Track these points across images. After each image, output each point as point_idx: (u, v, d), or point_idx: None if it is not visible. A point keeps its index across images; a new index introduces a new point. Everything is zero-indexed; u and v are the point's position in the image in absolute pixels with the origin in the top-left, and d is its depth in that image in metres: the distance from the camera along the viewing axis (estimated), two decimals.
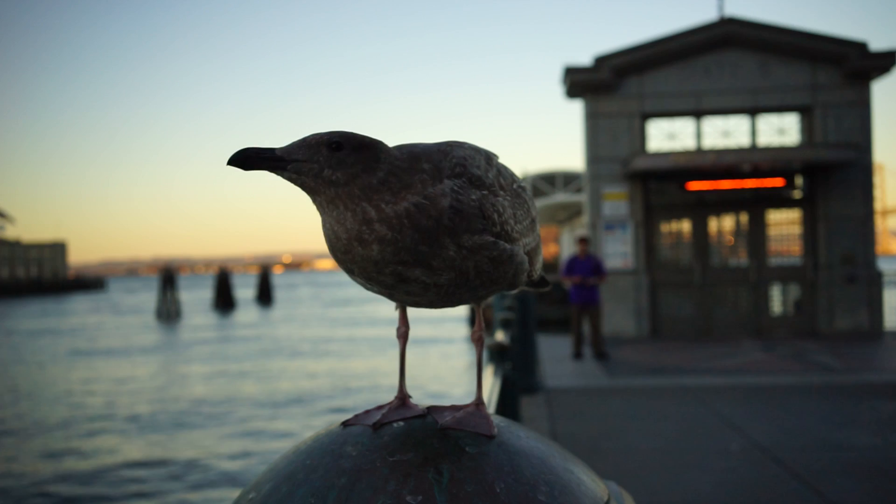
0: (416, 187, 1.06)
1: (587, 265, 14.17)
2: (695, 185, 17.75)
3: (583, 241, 14.44)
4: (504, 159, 1.22)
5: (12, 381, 22.86)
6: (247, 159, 1.06)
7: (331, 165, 1.06)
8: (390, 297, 1.15)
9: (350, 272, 1.12)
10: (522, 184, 1.23)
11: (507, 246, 1.11)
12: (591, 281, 14.09)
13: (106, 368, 25.36)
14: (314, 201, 1.10)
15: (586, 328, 15.16)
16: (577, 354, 14.43)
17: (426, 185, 1.07)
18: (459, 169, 1.10)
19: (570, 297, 14.49)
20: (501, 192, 1.14)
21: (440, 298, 1.13)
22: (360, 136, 1.09)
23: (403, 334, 1.21)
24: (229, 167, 1.08)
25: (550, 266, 48.82)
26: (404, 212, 1.04)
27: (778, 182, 17.69)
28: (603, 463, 7.17)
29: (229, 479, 11.62)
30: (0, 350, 32.83)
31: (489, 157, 1.18)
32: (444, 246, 1.05)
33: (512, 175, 1.21)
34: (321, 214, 1.12)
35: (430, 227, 1.04)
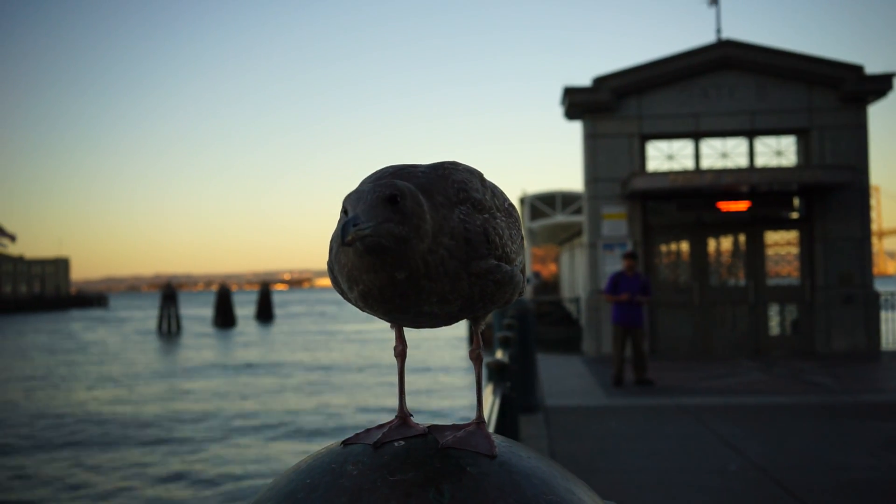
0: (444, 227, 1.03)
1: (635, 283, 13.02)
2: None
3: (630, 256, 13.24)
4: (503, 180, 1.21)
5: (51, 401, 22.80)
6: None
7: (399, 221, 0.98)
8: (393, 321, 1.13)
9: (367, 311, 1.08)
10: (510, 201, 1.22)
11: (508, 268, 1.11)
12: (640, 300, 13.00)
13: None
14: (365, 264, 1.01)
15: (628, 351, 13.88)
16: (618, 381, 13.19)
17: (448, 220, 1.04)
18: (463, 195, 1.09)
19: (613, 317, 13.36)
20: (498, 214, 1.13)
21: (443, 322, 1.13)
22: (400, 183, 1.02)
23: (401, 353, 1.19)
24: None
25: (552, 287, 48.86)
26: (440, 259, 1.01)
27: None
28: (601, 482, 7.14)
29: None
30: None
31: (481, 178, 1.16)
32: (460, 279, 1.04)
33: (502, 193, 1.19)
34: (365, 272, 1.02)
35: (456, 267, 1.03)
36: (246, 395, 22.48)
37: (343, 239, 0.96)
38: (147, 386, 25.33)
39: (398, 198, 1.00)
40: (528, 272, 42.31)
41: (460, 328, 39.13)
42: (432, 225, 1.02)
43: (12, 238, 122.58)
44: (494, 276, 1.08)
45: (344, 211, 1.02)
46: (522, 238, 1.21)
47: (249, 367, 30.64)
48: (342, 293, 1.13)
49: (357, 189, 1.03)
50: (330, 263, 1.12)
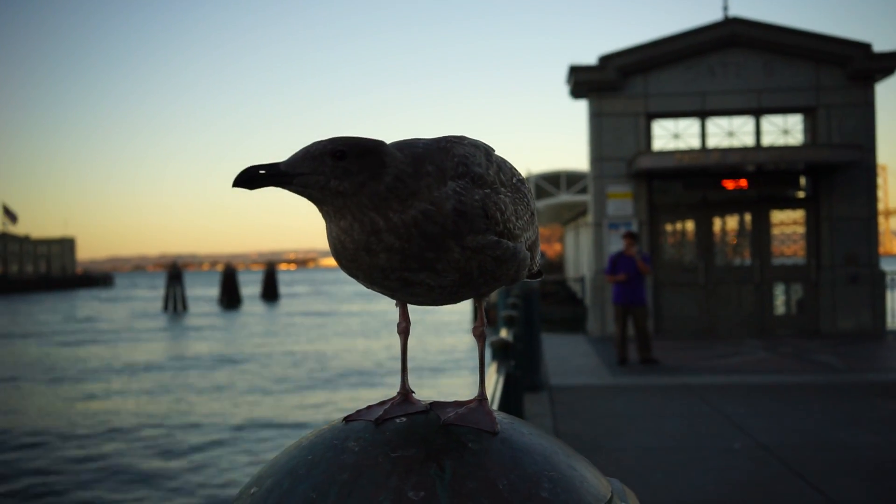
0: (422, 193, 1.04)
1: (633, 262, 13.04)
2: (731, 184, 17.64)
3: (629, 236, 13.25)
4: (508, 159, 1.20)
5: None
6: (252, 179, 1.03)
7: (336, 176, 1.03)
8: (392, 296, 1.14)
9: (354, 277, 1.11)
10: (521, 176, 1.21)
11: (510, 244, 1.10)
12: (643, 269, 12.94)
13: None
14: (321, 211, 1.08)
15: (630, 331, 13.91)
16: (622, 360, 13.27)
17: (432, 189, 1.05)
18: (462, 168, 1.08)
19: (614, 297, 13.47)
20: (503, 189, 1.12)
21: (443, 297, 1.12)
22: (363, 141, 1.06)
23: (404, 330, 1.19)
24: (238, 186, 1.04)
25: (556, 266, 48.85)
26: (412, 220, 1.02)
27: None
28: (605, 460, 7.17)
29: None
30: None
31: (488, 153, 1.16)
32: (449, 249, 1.04)
33: (511, 168, 1.19)
34: (327, 223, 1.09)
35: (437, 234, 1.03)
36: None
37: (238, 176, 1.03)
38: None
39: (341, 154, 1.04)
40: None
41: (465, 308, 39.16)
42: (409, 188, 1.04)
43: (14, 217, 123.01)
44: (494, 251, 1.07)
45: None
46: (532, 214, 1.21)
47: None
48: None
49: (310, 144, 1.07)
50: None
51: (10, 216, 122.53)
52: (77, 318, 49.82)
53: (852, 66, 17.22)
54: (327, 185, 1.03)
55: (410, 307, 1.20)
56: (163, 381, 21.53)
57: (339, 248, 1.08)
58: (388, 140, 1.13)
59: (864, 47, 17.26)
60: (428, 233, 1.03)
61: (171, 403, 17.87)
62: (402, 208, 1.03)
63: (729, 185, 17.62)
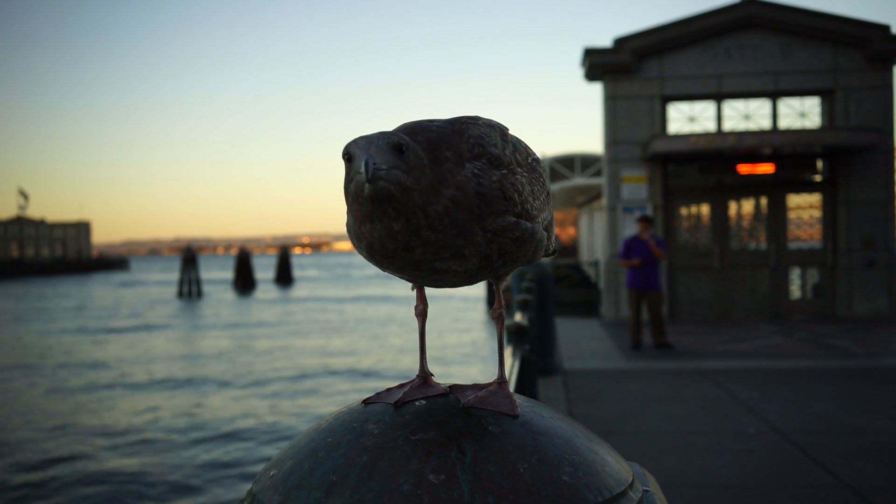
0: (447, 179, 1.02)
1: (648, 247, 12.91)
2: (748, 169, 17.52)
3: (644, 220, 13.17)
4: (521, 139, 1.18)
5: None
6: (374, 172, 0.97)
7: (405, 171, 0.99)
8: (412, 280, 1.12)
9: (381, 268, 1.09)
10: (535, 156, 1.19)
11: (529, 225, 1.09)
12: (657, 253, 12.82)
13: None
14: (369, 212, 1.00)
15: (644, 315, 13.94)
16: (636, 345, 13.20)
17: (454, 174, 1.03)
18: (478, 150, 1.07)
19: (628, 281, 13.38)
20: (519, 169, 1.11)
21: (463, 281, 1.11)
22: (400, 134, 1.02)
23: (422, 312, 1.18)
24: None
25: (570, 249, 48.73)
26: (444, 210, 1.01)
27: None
28: (620, 445, 7.16)
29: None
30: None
31: (503, 132, 1.14)
32: (474, 233, 1.03)
33: (526, 148, 1.17)
34: (363, 223, 1.03)
35: (465, 219, 1.02)
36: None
37: (367, 176, 0.96)
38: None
39: (404, 147, 1.00)
40: None
41: (479, 289, 39.19)
42: (432, 178, 1.01)
43: (26, 197, 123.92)
44: (513, 233, 1.06)
45: (347, 158, 1.01)
46: (548, 194, 1.20)
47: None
48: (361, 252, 1.13)
49: (363, 136, 1.02)
50: (348, 224, 1.11)
51: (24, 197, 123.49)
52: (85, 307, 49.99)
53: (871, 48, 17.04)
54: (405, 182, 0.99)
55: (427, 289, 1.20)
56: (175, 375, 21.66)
57: (378, 248, 1.03)
58: (399, 123, 1.11)
59: (883, 29, 17.08)
60: (458, 220, 1.01)
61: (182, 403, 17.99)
62: (436, 199, 1.01)
63: (744, 169, 17.50)
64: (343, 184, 1.05)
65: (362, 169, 0.96)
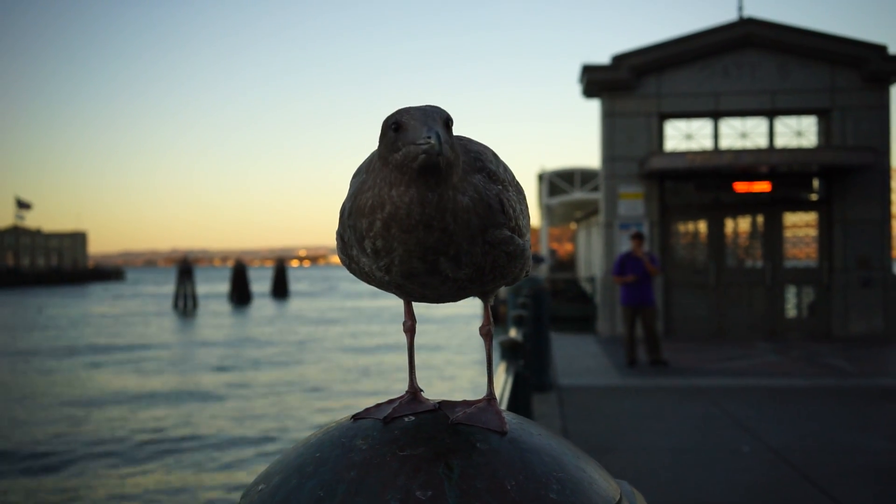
0: (467, 180, 1.03)
1: (642, 264, 13.02)
2: (744, 188, 17.58)
3: (637, 237, 13.26)
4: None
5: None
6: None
7: (453, 146, 1.00)
8: (399, 289, 1.10)
9: (387, 252, 1.03)
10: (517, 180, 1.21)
11: (521, 241, 1.10)
12: (651, 269, 12.93)
13: None
14: (415, 178, 0.98)
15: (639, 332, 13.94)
16: (631, 362, 13.21)
17: (470, 178, 1.04)
18: (479, 164, 1.08)
19: (622, 298, 13.48)
20: (510, 188, 1.12)
21: (451, 293, 1.11)
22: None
23: (410, 328, 1.18)
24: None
25: (567, 264, 48.84)
26: (469, 204, 1.01)
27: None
28: (614, 462, 7.15)
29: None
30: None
31: (494, 153, 1.15)
32: (477, 241, 1.03)
33: (511, 171, 1.17)
34: (394, 186, 0.99)
35: (477, 224, 1.02)
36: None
37: (439, 148, 0.95)
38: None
39: (450, 124, 1.01)
40: (544, 250, 42.47)
41: (474, 306, 39.15)
42: (464, 166, 1.03)
43: (27, 206, 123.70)
44: (508, 247, 1.07)
45: (394, 127, 1.00)
46: (528, 218, 1.21)
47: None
48: (349, 261, 1.11)
49: (414, 107, 1.01)
50: (339, 231, 1.11)
51: (24, 207, 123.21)
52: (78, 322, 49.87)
53: (868, 68, 17.13)
54: (453, 159, 1.00)
55: (415, 305, 1.19)
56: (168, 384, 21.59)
57: (403, 216, 0.99)
58: None
59: (880, 49, 17.17)
60: (472, 222, 1.02)
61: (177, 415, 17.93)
62: (465, 189, 1.01)
63: (741, 187, 17.55)
64: (376, 151, 1.04)
65: (432, 140, 0.95)
